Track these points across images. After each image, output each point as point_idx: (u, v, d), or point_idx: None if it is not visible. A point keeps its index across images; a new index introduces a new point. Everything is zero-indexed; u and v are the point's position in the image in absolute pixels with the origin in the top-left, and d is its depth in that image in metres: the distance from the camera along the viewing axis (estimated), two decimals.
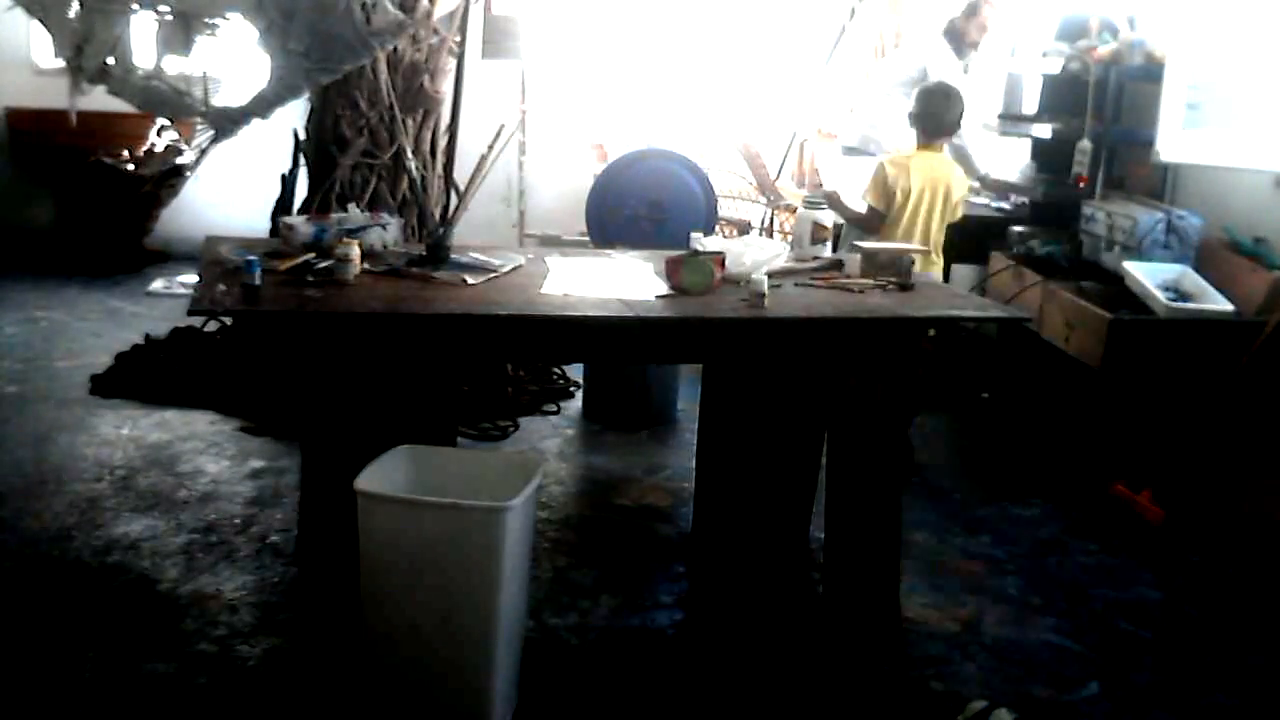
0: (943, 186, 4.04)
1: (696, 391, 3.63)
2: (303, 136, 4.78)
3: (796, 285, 3.11)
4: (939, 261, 4.10)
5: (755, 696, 2.68)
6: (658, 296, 3.05)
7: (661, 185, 4.75)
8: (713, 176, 5.06)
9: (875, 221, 4.05)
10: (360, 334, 2.85)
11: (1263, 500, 3.70)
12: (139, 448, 3.99)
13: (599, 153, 6.66)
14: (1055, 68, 4.95)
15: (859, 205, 4.19)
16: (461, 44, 4.62)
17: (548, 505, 3.68)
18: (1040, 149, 5.27)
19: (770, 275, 3.00)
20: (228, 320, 4.68)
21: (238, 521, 3.44)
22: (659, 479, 4.01)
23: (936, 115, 4.05)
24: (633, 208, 4.74)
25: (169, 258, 6.85)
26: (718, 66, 6.92)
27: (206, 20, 4.09)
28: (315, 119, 4.68)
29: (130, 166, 6.62)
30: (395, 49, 4.40)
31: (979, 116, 5.57)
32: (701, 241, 3.25)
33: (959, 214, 4.16)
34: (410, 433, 2.71)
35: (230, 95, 4.31)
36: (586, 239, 4.96)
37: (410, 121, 4.64)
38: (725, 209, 5.96)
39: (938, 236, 4.08)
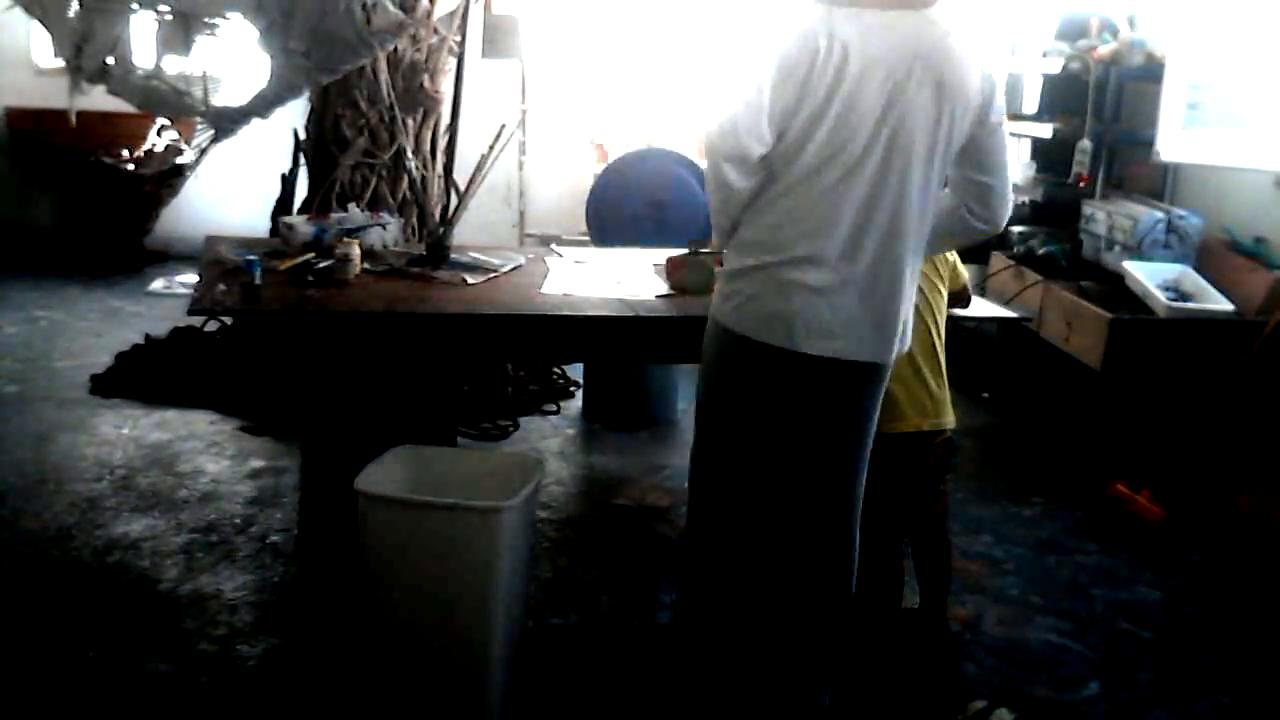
0: None
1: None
2: (303, 136, 4.78)
3: None
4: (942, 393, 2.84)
5: (755, 696, 2.68)
6: (658, 296, 3.06)
7: (662, 185, 4.75)
8: None
9: None
10: (360, 334, 2.86)
11: (1262, 500, 3.70)
12: (139, 448, 3.99)
13: (599, 153, 6.66)
14: (1055, 67, 4.95)
15: None
16: (461, 44, 4.61)
17: (548, 505, 3.67)
18: (1040, 149, 5.27)
19: None
20: (228, 320, 4.68)
21: (238, 521, 3.44)
22: (659, 479, 4.00)
23: None
24: (633, 208, 4.74)
25: (169, 258, 6.84)
26: (718, 65, 6.91)
27: (206, 20, 4.09)
28: (315, 119, 4.68)
29: (130, 166, 6.62)
30: (395, 49, 4.40)
31: None
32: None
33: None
34: (410, 433, 2.71)
35: (230, 95, 4.31)
36: (587, 239, 4.96)
37: (410, 121, 4.64)
38: None
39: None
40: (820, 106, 2.15)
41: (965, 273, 2.97)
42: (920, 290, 2.70)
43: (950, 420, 2.81)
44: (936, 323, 2.79)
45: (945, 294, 2.84)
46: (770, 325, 2.24)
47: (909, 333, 2.37)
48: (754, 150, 2.19)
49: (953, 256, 2.87)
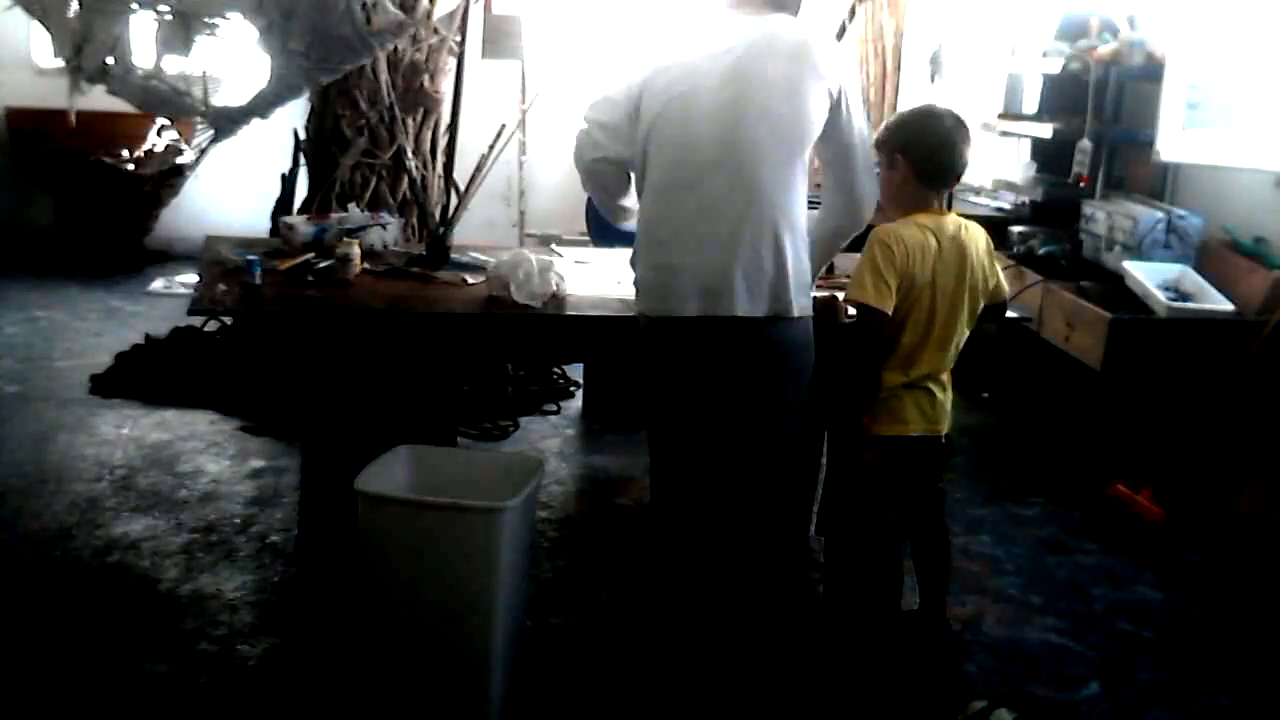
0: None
1: None
2: (303, 136, 4.78)
3: None
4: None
5: (755, 696, 2.68)
6: None
7: None
8: None
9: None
10: (360, 334, 2.86)
11: (1262, 500, 3.70)
12: (139, 448, 3.98)
13: None
14: (1055, 68, 4.95)
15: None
16: (461, 44, 4.61)
17: (548, 505, 3.67)
18: (1040, 149, 5.27)
19: None
20: (228, 320, 4.68)
21: (238, 521, 3.44)
22: None
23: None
24: None
25: (169, 258, 6.84)
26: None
27: (206, 20, 4.08)
28: (315, 119, 4.68)
29: (130, 166, 6.61)
30: (395, 49, 4.40)
31: (978, 116, 5.58)
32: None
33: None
34: (410, 433, 2.71)
35: (230, 95, 4.31)
36: (587, 239, 4.96)
37: (410, 121, 4.64)
38: None
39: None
40: (664, 87, 2.43)
41: (1006, 287, 2.92)
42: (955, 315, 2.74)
43: (947, 425, 2.83)
44: (958, 342, 2.78)
45: (976, 315, 2.80)
46: (654, 298, 2.49)
47: (788, 286, 2.43)
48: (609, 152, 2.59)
49: (997, 268, 2.85)
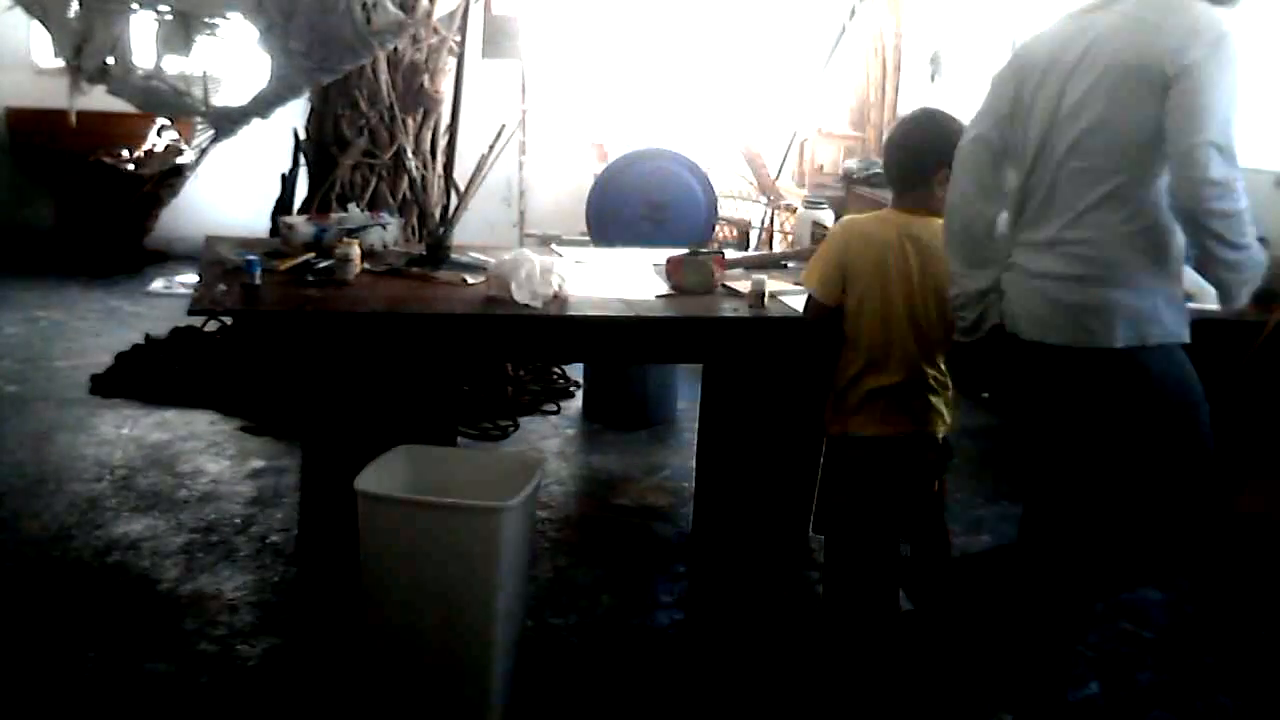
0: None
1: (696, 391, 3.63)
2: (303, 136, 4.78)
3: (797, 283, 3.11)
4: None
5: (755, 696, 2.69)
6: (658, 296, 3.06)
7: (661, 185, 4.75)
8: (713, 176, 5.06)
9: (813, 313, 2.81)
10: (360, 334, 2.86)
11: (1263, 500, 3.70)
12: (139, 448, 3.98)
13: (599, 153, 6.66)
14: None
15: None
16: (461, 44, 4.61)
17: (548, 505, 3.68)
18: None
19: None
20: (228, 320, 4.68)
21: (238, 521, 3.44)
22: (659, 479, 4.01)
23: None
24: (633, 208, 4.74)
25: (169, 258, 6.84)
26: (718, 66, 6.92)
27: (206, 20, 4.09)
28: (315, 119, 4.69)
29: (130, 166, 6.61)
30: (395, 49, 4.40)
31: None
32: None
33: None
34: (410, 433, 2.71)
35: (230, 95, 4.31)
36: (587, 239, 4.96)
37: (410, 121, 4.64)
38: (725, 209, 5.96)
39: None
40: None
41: None
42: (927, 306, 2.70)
43: (942, 428, 2.79)
44: (939, 341, 2.76)
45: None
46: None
47: (1112, 320, 2.41)
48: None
49: None
